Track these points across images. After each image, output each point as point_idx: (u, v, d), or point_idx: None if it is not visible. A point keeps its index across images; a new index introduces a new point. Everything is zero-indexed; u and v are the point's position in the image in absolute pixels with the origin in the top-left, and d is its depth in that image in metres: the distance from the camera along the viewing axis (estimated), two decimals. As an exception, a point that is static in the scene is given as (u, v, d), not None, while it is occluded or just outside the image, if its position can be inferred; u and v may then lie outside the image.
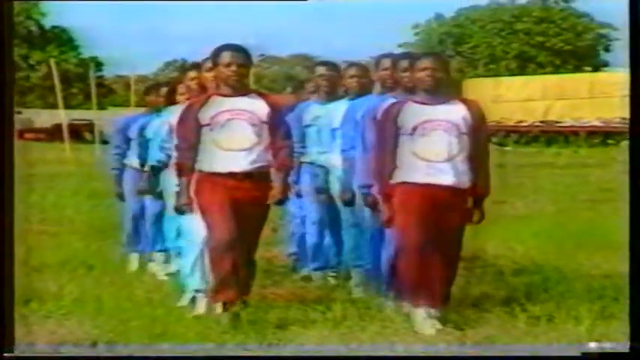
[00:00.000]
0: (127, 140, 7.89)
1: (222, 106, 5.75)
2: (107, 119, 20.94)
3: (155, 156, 6.79)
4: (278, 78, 47.12)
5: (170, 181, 6.28)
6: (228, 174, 5.70)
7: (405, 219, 5.67)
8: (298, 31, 78.69)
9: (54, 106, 27.59)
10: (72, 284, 6.77)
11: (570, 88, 32.49)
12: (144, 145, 7.40)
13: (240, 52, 5.79)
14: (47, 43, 43.36)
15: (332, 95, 7.07)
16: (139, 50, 63.13)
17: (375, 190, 5.98)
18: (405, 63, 6.11)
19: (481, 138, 5.80)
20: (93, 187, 13.25)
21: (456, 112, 5.74)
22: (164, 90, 7.29)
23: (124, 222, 8.00)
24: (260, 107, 5.78)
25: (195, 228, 5.92)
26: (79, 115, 30.79)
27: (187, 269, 6.20)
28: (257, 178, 5.74)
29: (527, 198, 13.30)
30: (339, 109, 6.68)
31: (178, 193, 5.89)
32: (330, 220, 7.07)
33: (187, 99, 6.27)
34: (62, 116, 24.38)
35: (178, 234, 6.35)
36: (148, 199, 7.51)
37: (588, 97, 31.59)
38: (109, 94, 42.68)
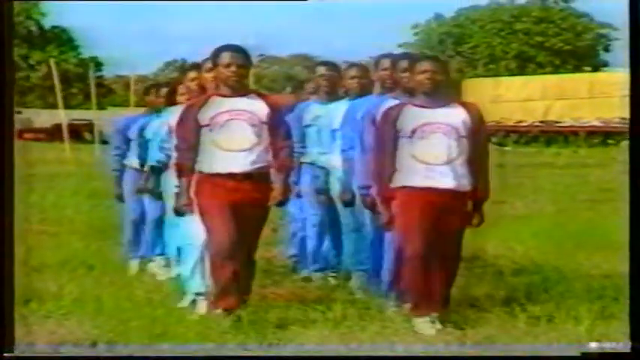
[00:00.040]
0: (127, 141, 7.87)
1: (222, 106, 5.75)
2: (107, 119, 20.94)
3: (155, 156, 6.79)
4: (278, 78, 47.12)
5: (170, 182, 6.28)
6: (228, 175, 5.69)
7: (405, 222, 5.67)
8: (298, 31, 78.75)
9: (54, 106, 27.59)
10: (72, 284, 6.77)
11: (570, 88, 32.50)
12: (143, 145, 7.40)
13: (240, 52, 5.79)
14: (47, 43, 43.37)
15: (332, 95, 7.07)
16: (138, 50, 63.16)
17: (373, 192, 5.98)
18: (404, 63, 6.10)
19: (480, 141, 5.80)
20: (93, 187, 13.25)
21: (455, 116, 5.74)
22: (164, 90, 7.29)
23: (125, 227, 7.98)
24: (260, 108, 5.78)
25: (195, 230, 5.92)
26: (79, 115, 30.79)
27: (187, 272, 6.19)
28: (257, 178, 5.74)
29: (527, 198, 13.29)
30: (339, 109, 6.68)
31: (178, 194, 5.90)
32: (330, 221, 7.06)
33: (187, 99, 6.27)
34: (62, 116, 24.36)
35: (178, 237, 6.35)
36: (148, 202, 7.50)
37: (588, 97, 31.60)
38: (108, 94, 42.68)
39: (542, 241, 8.89)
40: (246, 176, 5.71)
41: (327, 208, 7.06)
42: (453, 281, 5.80)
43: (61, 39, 44.26)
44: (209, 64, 5.99)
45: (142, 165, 7.36)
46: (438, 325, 5.59)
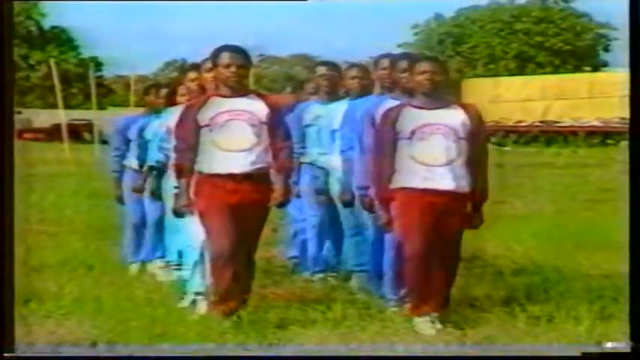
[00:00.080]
0: (127, 141, 7.84)
1: (222, 106, 5.74)
2: (107, 119, 20.95)
3: (154, 157, 6.78)
4: (278, 78, 47.13)
5: (169, 183, 6.27)
6: (228, 175, 5.69)
7: (405, 223, 5.67)
8: (298, 31, 78.82)
9: (54, 106, 27.60)
10: (71, 284, 6.77)
11: (569, 88, 32.51)
12: (143, 146, 7.39)
13: (240, 53, 5.79)
14: (47, 43, 43.39)
15: (333, 95, 7.07)
16: (138, 50, 63.28)
17: (371, 193, 5.98)
18: (403, 64, 6.09)
19: (480, 143, 5.80)
20: (92, 187, 13.25)
21: (454, 117, 5.73)
22: (164, 91, 7.29)
23: (125, 230, 7.96)
24: (259, 108, 5.78)
25: (194, 231, 5.91)
26: (79, 115, 30.81)
27: (188, 273, 6.19)
28: (257, 179, 5.74)
29: (527, 198, 13.29)
30: (339, 109, 6.67)
31: (177, 195, 5.89)
32: (330, 221, 7.06)
33: (187, 100, 6.27)
34: (62, 116, 24.37)
35: (179, 241, 6.35)
36: (148, 204, 7.48)
37: (587, 97, 31.61)
38: (108, 94, 42.71)
39: (541, 241, 8.89)
40: (246, 177, 5.70)
41: (326, 209, 7.06)
42: (452, 281, 5.80)
43: (61, 39, 44.27)
44: (209, 65, 5.98)
45: (142, 166, 7.35)
46: (438, 325, 5.59)
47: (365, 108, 6.20)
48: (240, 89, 5.79)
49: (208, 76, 6.04)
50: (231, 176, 5.69)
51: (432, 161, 5.66)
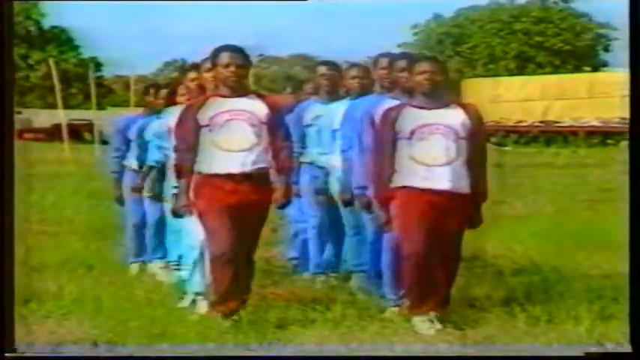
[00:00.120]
0: (127, 142, 7.85)
1: (221, 106, 5.74)
2: (106, 119, 20.92)
3: (153, 157, 6.78)
4: (278, 78, 47.11)
5: (169, 184, 6.27)
6: (227, 175, 5.69)
7: (405, 223, 5.67)
8: (298, 31, 78.71)
9: (53, 106, 27.56)
10: (71, 284, 6.77)
11: (569, 88, 32.49)
12: (143, 146, 7.38)
13: (239, 52, 5.79)
14: (47, 43, 43.35)
15: (333, 95, 7.07)
16: (138, 50, 63.25)
17: (370, 193, 5.98)
18: (402, 63, 6.09)
19: (479, 143, 5.80)
20: (92, 187, 13.24)
21: (454, 117, 5.73)
22: (164, 91, 7.29)
23: (126, 231, 7.95)
24: (259, 108, 5.78)
25: (194, 231, 5.91)
26: (79, 115, 30.74)
27: (187, 273, 6.19)
28: (256, 179, 5.74)
29: (527, 198, 13.29)
30: (340, 109, 6.67)
31: (177, 195, 5.89)
32: (330, 221, 7.06)
33: (187, 100, 6.27)
34: (61, 116, 24.36)
35: (180, 243, 6.34)
36: (148, 204, 7.48)
37: (587, 97, 31.59)
38: (108, 94, 42.65)
39: (541, 241, 8.89)
40: (246, 177, 5.70)
41: (326, 209, 7.05)
42: (452, 281, 5.80)
43: (61, 39, 44.23)
44: (208, 65, 5.99)
45: (141, 166, 7.35)
46: (438, 325, 5.59)
47: (365, 108, 6.20)
48: (239, 89, 5.79)
49: (208, 76, 6.04)
50: (230, 176, 5.69)
51: (431, 161, 5.66)
